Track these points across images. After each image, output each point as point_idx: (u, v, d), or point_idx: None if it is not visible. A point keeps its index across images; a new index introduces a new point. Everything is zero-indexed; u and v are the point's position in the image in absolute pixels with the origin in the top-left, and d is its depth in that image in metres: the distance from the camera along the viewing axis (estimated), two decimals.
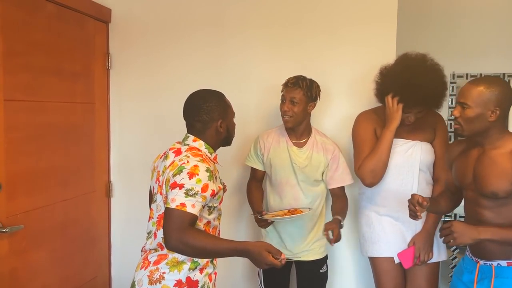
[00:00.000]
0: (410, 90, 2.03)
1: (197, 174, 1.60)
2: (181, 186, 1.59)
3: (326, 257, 2.38)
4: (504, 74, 3.45)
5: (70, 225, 2.45)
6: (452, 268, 3.38)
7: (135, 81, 2.75)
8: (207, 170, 1.64)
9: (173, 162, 1.69)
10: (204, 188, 1.61)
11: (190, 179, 1.59)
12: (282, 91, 2.27)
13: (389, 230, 2.22)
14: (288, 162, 2.27)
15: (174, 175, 1.62)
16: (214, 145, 1.80)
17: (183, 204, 1.57)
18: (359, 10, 2.48)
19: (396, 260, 2.21)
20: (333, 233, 2.15)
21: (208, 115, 1.75)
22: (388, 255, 2.22)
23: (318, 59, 2.53)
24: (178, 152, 1.73)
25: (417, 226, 2.19)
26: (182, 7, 2.67)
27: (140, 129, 2.76)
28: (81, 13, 2.48)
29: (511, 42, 3.49)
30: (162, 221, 1.67)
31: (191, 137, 1.78)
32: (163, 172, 1.72)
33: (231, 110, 1.84)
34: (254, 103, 2.62)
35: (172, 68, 2.69)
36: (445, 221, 2.25)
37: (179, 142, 1.81)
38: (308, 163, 2.26)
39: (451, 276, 3.28)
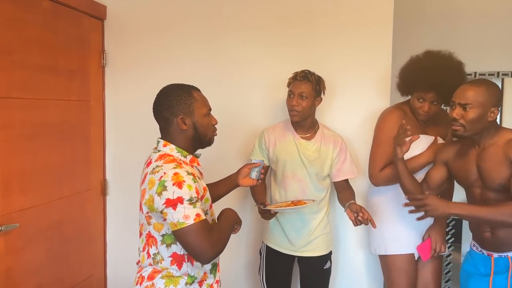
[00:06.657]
0: (427, 72, 2.01)
1: (184, 181, 1.47)
2: (181, 200, 1.45)
3: (330, 253, 2.35)
4: (498, 73, 3.47)
5: (66, 224, 2.43)
6: (447, 265, 3.40)
7: (130, 78, 2.73)
8: (188, 173, 1.51)
9: (146, 176, 1.55)
10: (197, 191, 1.52)
11: (181, 189, 1.46)
12: (288, 85, 2.23)
13: (411, 227, 2.19)
14: (296, 155, 2.24)
15: (159, 193, 1.47)
16: (187, 147, 1.63)
17: (198, 215, 1.47)
18: (355, 13, 2.47)
19: (416, 255, 2.20)
20: (360, 212, 2.02)
21: (167, 111, 1.59)
22: (409, 252, 2.20)
23: (316, 63, 2.48)
24: (149, 163, 1.60)
25: (432, 218, 2.19)
26: (178, 3, 2.66)
27: (136, 127, 2.74)
28: (76, 10, 2.47)
29: (505, 40, 3.51)
30: (150, 240, 1.60)
31: (162, 141, 1.63)
32: (141, 184, 1.62)
33: (200, 105, 1.62)
34: (255, 99, 2.60)
35: (168, 65, 2.67)
36: None
37: (155, 148, 1.69)
38: (317, 155, 2.25)
39: (445, 273, 3.34)
